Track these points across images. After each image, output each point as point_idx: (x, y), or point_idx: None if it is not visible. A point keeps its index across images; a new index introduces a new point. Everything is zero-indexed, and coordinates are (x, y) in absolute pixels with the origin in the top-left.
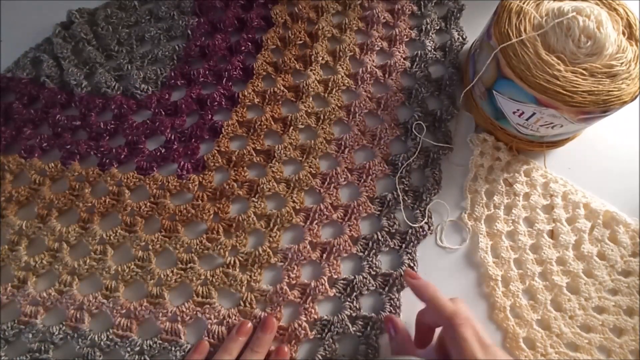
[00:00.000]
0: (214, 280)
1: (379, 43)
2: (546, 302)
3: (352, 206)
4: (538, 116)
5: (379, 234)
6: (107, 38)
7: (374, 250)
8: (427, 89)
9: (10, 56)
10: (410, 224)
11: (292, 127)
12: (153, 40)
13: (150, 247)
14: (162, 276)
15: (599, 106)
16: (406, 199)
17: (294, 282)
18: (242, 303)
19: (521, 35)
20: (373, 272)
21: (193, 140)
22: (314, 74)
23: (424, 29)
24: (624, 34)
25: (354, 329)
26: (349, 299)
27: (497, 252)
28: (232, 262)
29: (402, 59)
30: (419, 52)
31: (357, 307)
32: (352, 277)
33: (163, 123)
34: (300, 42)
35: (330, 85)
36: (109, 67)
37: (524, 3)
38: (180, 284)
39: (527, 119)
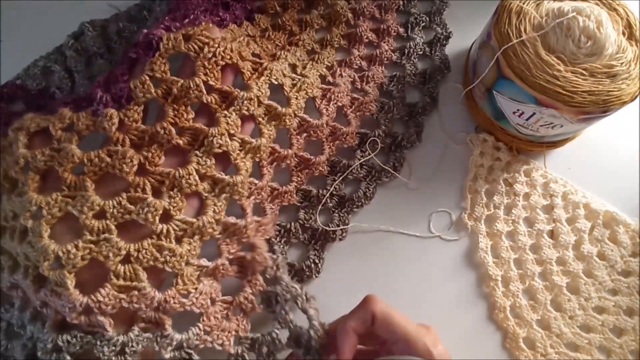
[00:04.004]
0: (140, 256)
1: (358, 62)
2: (546, 302)
3: (278, 191)
4: (538, 116)
5: (292, 224)
6: (119, 52)
7: (284, 239)
8: (398, 111)
9: (10, 58)
10: (322, 225)
11: (262, 78)
12: None
13: (44, 212)
14: (60, 253)
15: (599, 106)
16: (328, 201)
17: (232, 257)
18: (180, 282)
19: (521, 36)
20: (284, 258)
21: (121, 64)
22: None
23: (406, 52)
24: (624, 34)
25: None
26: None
27: (497, 252)
28: (164, 231)
29: (381, 76)
30: (397, 73)
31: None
32: (285, 223)
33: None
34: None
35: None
36: None
37: (524, 3)
38: (91, 262)
39: (527, 119)
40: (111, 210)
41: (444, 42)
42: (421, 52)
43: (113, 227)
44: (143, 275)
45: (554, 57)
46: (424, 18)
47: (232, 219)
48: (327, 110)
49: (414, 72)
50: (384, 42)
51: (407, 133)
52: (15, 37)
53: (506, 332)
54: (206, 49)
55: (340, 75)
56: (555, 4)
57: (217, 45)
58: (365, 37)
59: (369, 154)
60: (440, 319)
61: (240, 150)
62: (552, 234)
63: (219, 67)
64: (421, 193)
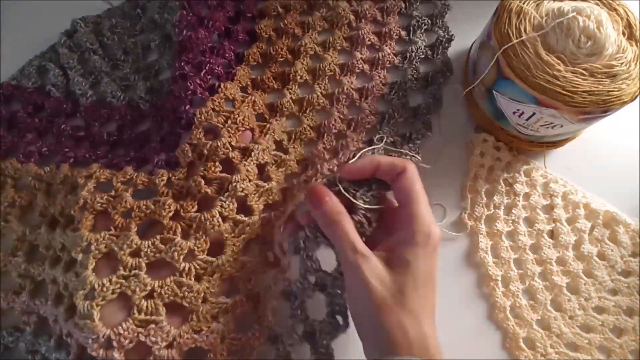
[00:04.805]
0: (162, 292)
1: (360, 65)
2: (546, 302)
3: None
4: (538, 116)
5: (300, 277)
6: (113, 47)
7: (303, 296)
8: (401, 115)
9: (10, 56)
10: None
11: (268, 135)
12: (159, 48)
13: (92, 247)
14: (96, 285)
15: (599, 106)
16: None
17: (250, 294)
18: (195, 318)
19: (521, 36)
20: (311, 268)
21: (171, 137)
22: (290, 92)
23: (408, 56)
24: (624, 34)
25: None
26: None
27: (497, 252)
28: (186, 269)
29: (380, 84)
30: (398, 81)
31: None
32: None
33: (154, 127)
34: (282, 59)
35: (305, 105)
36: (115, 76)
37: (524, 3)
38: (119, 296)
39: (527, 119)
40: (146, 249)
41: (446, 45)
42: (423, 56)
43: (144, 265)
44: (163, 310)
45: (554, 57)
46: (426, 21)
47: (246, 258)
48: (322, 143)
49: (416, 77)
50: (386, 45)
51: (415, 129)
52: (15, 37)
53: (506, 332)
54: (229, 121)
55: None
56: (555, 4)
57: (237, 116)
58: (367, 39)
59: (377, 148)
60: (440, 319)
61: (255, 194)
62: (552, 234)
63: (239, 132)
64: None
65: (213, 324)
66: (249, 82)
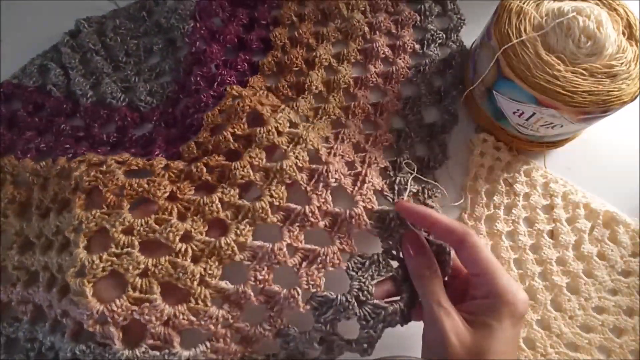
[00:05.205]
0: (156, 271)
1: (374, 79)
2: (546, 302)
3: (342, 216)
4: (538, 116)
5: (379, 255)
6: (115, 49)
7: (370, 272)
8: (417, 134)
9: (10, 58)
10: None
11: (280, 114)
12: (162, 52)
13: (83, 225)
14: (86, 262)
15: (599, 106)
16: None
17: (260, 285)
18: (192, 300)
19: (521, 36)
20: (362, 297)
21: (179, 141)
22: (305, 101)
23: (421, 70)
24: (624, 34)
25: None
26: (322, 320)
27: (497, 252)
28: (182, 249)
29: (395, 100)
30: (411, 96)
31: (331, 331)
32: (334, 296)
33: (159, 133)
34: (297, 68)
35: (320, 113)
36: (116, 77)
37: (524, 3)
38: (110, 274)
39: (527, 119)
40: (139, 227)
41: (459, 59)
42: (436, 71)
43: (136, 243)
44: (157, 289)
45: (554, 57)
46: (440, 35)
47: (259, 243)
48: (340, 148)
49: (430, 91)
50: (400, 59)
51: (432, 153)
52: (15, 37)
53: None
54: (232, 115)
55: (349, 118)
56: (555, 4)
57: (241, 104)
58: (381, 52)
59: (409, 175)
60: None
61: (267, 178)
62: (552, 234)
63: (244, 120)
64: None
65: (211, 309)
66: (264, 89)
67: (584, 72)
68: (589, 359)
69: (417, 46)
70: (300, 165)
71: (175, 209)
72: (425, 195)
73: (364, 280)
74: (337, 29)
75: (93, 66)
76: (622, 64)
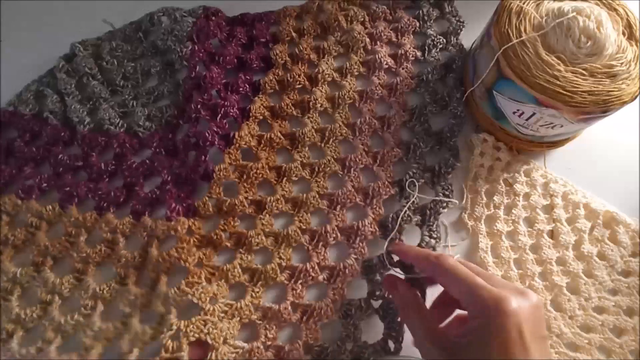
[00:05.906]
0: (188, 331)
1: (379, 91)
2: (546, 302)
3: (338, 268)
4: (538, 116)
5: (361, 300)
6: (112, 72)
7: (357, 317)
8: (426, 144)
9: (10, 58)
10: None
11: (285, 178)
12: (159, 74)
13: (137, 302)
14: (137, 331)
15: (599, 106)
16: (395, 268)
17: (269, 343)
18: (213, 357)
19: (521, 36)
20: (356, 346)
21: (187, 183)
22: (311, 121)
23: (424, 78)
24: (624, 34)
25: None
26: None
27: (497, 252)
28: (211, 310)
29: (401, 111)
30: (416, 106)
31: None
32: (328, 345)
33: (161, 163)
34: (300, 85)
35: (327, 134)
36: (114, 102)
37: (524, 3)
38: (153, 340)
39: (527, 119)
40: (173, 295)
41: (459, 62)
42: (438, 77)
43: (173, 309)
44: (186, 347)
45: (554, 57)
46: (441, 40)
47: (268, 304)
48: (349, 177)
49: (434, 99)
50: (403, 68)
51: (443, 159)
52: (15, 37)
53: None
54: (245, 176)
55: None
56: (555, 4)
57: (253, 170)
58: (384, 63)
59: (412, 197)
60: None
61: (276, 243)
62: (552, 234)
63: (256, 182)
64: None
65: None
66: (267, 113)
67: (584, 72)
68: (589, 359)
69: (418, 53)
70: (304, 227)
71: (204, 274)
72: (432, 218)
73: (351, 327)
74: (338, 41)
75: (90, 91)
76: (622, 64)
